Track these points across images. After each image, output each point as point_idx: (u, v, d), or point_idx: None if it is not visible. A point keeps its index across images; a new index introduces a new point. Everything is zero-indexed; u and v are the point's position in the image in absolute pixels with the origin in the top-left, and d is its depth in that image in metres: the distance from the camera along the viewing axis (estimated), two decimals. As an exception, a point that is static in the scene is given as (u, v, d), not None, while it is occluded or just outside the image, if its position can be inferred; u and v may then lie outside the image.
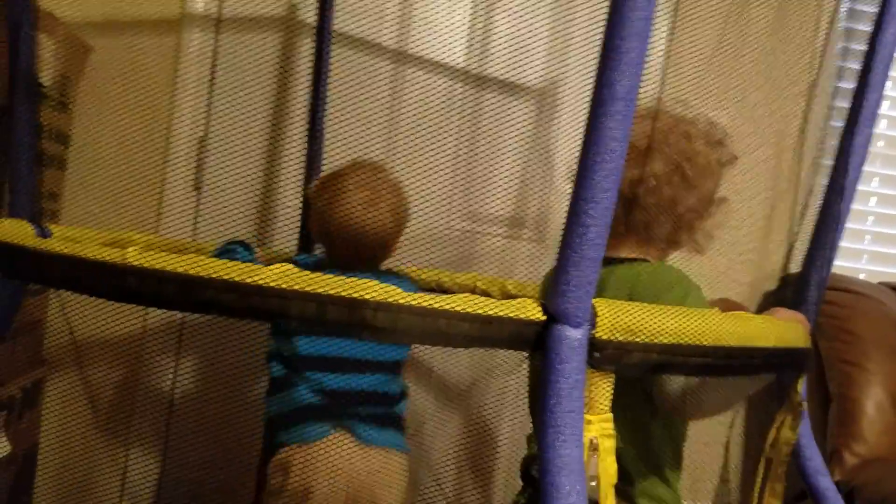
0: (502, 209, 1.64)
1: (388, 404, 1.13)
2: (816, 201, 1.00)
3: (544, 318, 0.65)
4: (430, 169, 1.53)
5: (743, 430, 1.13)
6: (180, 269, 0.60)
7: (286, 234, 1.46)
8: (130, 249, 0.62)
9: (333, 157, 1.44)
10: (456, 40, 1.58)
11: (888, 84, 1.98)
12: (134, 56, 1.45)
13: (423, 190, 1.52)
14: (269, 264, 0.63)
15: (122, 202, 1.42)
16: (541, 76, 1.62)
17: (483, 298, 0.65)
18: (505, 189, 1.63)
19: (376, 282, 0.63)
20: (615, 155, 0.61)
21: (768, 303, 1.03)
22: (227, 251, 1.18)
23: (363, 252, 1.13)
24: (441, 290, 1.43)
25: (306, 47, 1.49)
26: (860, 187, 1.93)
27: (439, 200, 1.55)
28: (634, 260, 0.93)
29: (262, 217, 1.50)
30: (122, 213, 1.41)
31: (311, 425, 1.07)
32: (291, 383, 1.10)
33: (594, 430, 0.66)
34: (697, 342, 0.69)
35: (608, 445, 0.66)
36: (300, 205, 1.42)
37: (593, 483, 0.67)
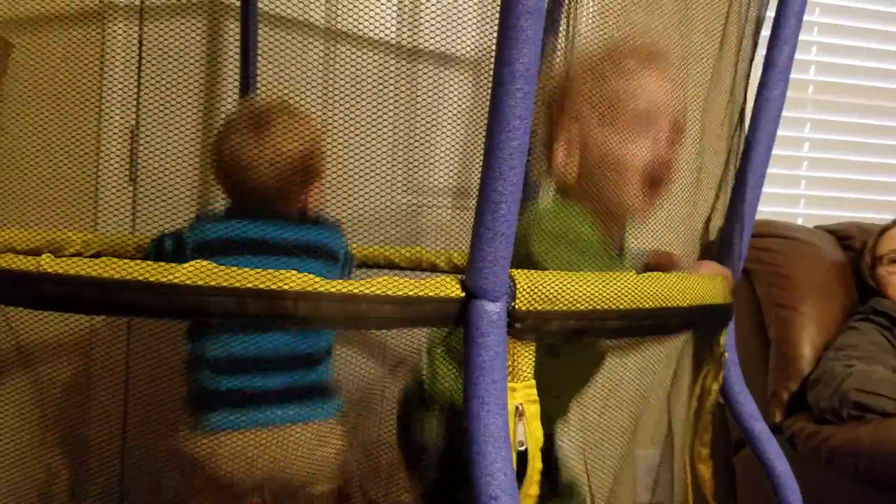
0: (446, 180, 1.65)
1: (307, 367, 1.05)
2: (737, 155, 1.02)
3: (463, 294, 0.66)
4: (370, 145, 1.54)
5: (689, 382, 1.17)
6: (95, 273, 0.60)
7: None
8: (45, 256, 0.62)
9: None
10: (386, 14, 1.57)
11: (815, 30, 2.03)
12: (58, 50, 1.42)
13: (365, 166, 1.52)
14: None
15: (58, 199, 1.39)
16: (474, 45, 1.62)
17: (402, 279, 0.66)
18: (447, 160, 1.63)
19: (294, 272, 0.64)
20: (519, 132, 0.62)
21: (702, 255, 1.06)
22: (158, 244, 1.13)
23: (280, 197, 1.05)
24: (389, 265, 1.44)
25: (234, 29, 1.47)
26: (793, 133, 2.00)
27: (382, 176, 1.55)
28: None
29: (202, 203, 1.49)
30: (59, 210, 1.39)
31: (217, 414, 1.01)
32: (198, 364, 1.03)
33: (519, 397, 0.69)
34: (615, 306, 0.72)
35: (533, 410, 0.69)
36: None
37: (522, 448, 0.70)
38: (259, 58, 1.41)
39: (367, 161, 1.52)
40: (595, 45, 0.90)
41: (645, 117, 0.86)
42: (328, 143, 1.15)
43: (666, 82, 0.88)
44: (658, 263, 0.94)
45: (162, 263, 0.62)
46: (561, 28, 1.28)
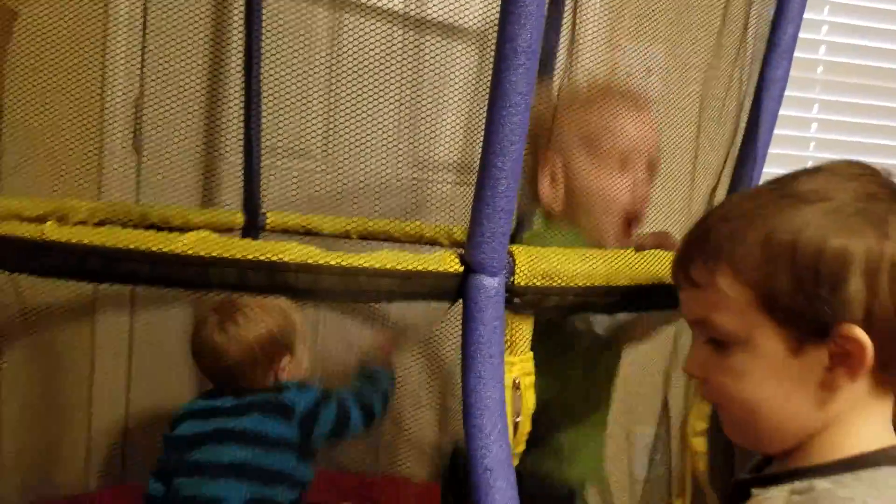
0: (450, 155, 1.65)
1: None
2: (740, 136, 1.01)
3: (462, 269, 0.67)
4: (375, 117, 1.53)
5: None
6: (98, 242, 0.61)
7: (230, 189, 1.46)
8: (48, 224, 0.63)
9: (272, 111, 1.43)
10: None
11: (826, 9, 2.00)
12: (62, 17, 1.41)
13: (369, 139, 1.52)
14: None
15: (62, 169, 1.40)
16: (481, 17, 1.61)
17: (401, 253, 0.67)
18: (451, 135, 1.63)
19: (296, 243, 0.64)
20: (520, 108, 0.62)
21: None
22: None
23: (244, 377, 1.15)
24: (390, 239, 1.45)
25: (240, -1, 1.46)
26: (800, 114, 1.98)
27: (385, 149, 1.55)
28: None
29: (206, 174, 1.49)
30: (63, 179, 1.40)
31: None
32: None
33: (517, 370, 0.70)
34: (612, 283, 0.73)
35: (528, 382, 0.71)
36: (242, 160, 1.42)
37: (519, 419, 0.71)
38: (264, 26, 1.40)
39: (371, 134, 1.52)
40: (582, 81, 0.96)
41: (625, 154, 0.91)
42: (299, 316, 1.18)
43: (646, 123, 0.92)
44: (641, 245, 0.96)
45: (164, 233, 0.62)
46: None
